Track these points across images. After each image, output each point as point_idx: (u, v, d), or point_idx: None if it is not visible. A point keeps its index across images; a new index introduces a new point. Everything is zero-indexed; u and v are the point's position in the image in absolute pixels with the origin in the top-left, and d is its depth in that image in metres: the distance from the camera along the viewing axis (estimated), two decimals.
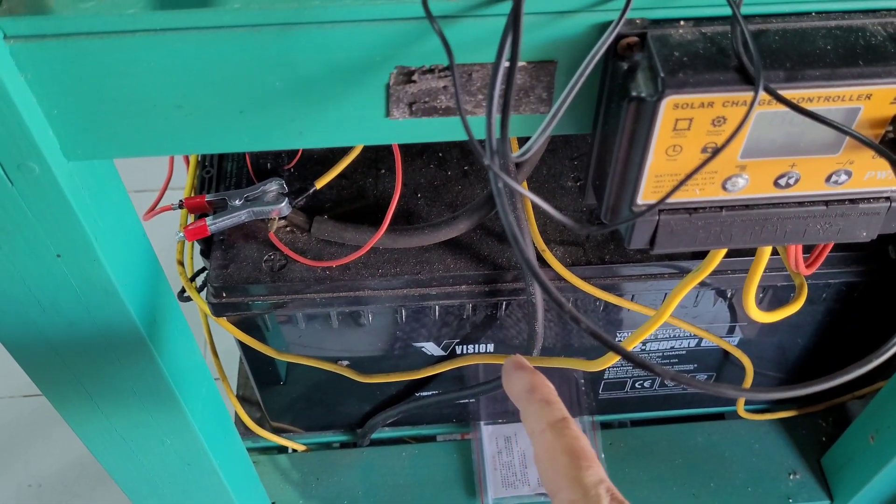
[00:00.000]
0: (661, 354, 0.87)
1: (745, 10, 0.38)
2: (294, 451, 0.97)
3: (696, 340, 0.85)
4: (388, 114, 0.42)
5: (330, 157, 0.78)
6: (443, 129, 0.43)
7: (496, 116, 0.35)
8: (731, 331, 0.85)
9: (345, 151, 0.77)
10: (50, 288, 0.48)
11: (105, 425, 0.61)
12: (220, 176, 0.77)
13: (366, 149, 0.79)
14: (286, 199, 0.72)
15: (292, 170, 0.78)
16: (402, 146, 0.75)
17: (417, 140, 0.44)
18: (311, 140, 0.43)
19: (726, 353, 0.86)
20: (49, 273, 0.47)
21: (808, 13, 0.39)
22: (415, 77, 0.40)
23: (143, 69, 0.38)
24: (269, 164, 0.78)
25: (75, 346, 0.53)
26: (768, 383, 0.93)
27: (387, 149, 0.80)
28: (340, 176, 0.77)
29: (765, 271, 0.73)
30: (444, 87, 0.41)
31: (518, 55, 0.33)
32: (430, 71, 0.40)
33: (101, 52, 0.38)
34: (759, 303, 0.80)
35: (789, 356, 0.90)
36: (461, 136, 0.41)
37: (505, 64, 0.36)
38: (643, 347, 0.86)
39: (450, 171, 0.80)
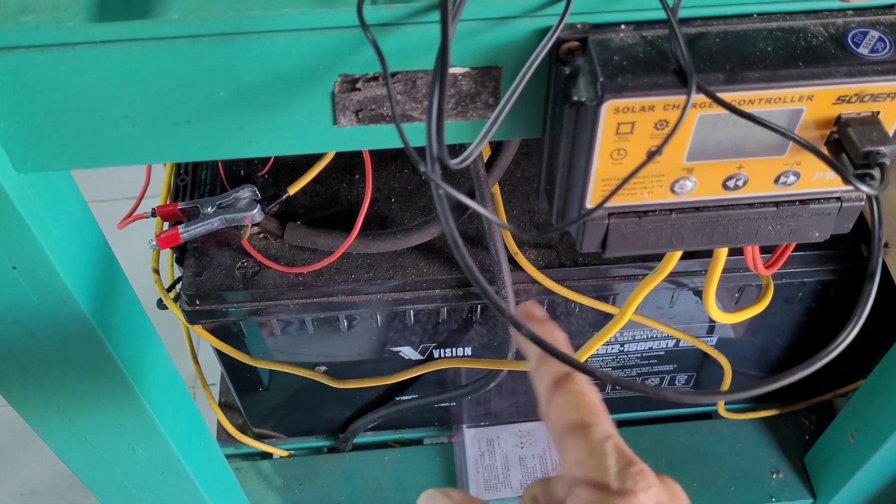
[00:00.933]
0: (639, 356, 0.87)
1: (685, 12, 0.38)
2: (279, 457, 0.97)
3: (675, 341, 0.85)
4: (335, 121, 0.42)
5: (303, 162, 0.78)
6: (392, 136, 0.43)
7: (435, 126, 0.35)
8: (710, 331, 0.85)
9: (318, 157, 0.77)
10: (8, 299, 0.48)
11: (74, 434, 0.61)
12: (195, 183, 0.78)
13: (339, 154, 0.79)
14: (259, 205, 0.73)
15: (266, 176, 0.78)
16: (374, 151, 0.76)
17: (367, 147, 0.44)
18: (260, 149, 0.43)
19: (706, 354, 0.86)
20: (6, 285, 0.47)
21: (749, 15, 0.39)
22: (359, 85, 0.40)
23: (86, 81, 0.38)
24: (242, 171, 0.78)
25: (38, 356, 0.53)
26: (749, 383, 0.93)
27: (360, 154, 0.80)
28: (314, 181, 0.78)
29: (738, 271, 0.74)
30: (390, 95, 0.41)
31: (448, 61, 0.33)
32: (374, 78, 0.40)
33: (44, 65, 0.38)
34: (736, 303, 0.80)
35: (769, 356, 0.90)
36: (412, 142, 0.41)
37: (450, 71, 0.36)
38: (622, 349, 0.86)
39: (423, 175, 0.80)
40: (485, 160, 0.70)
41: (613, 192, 0.38)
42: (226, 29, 0.37)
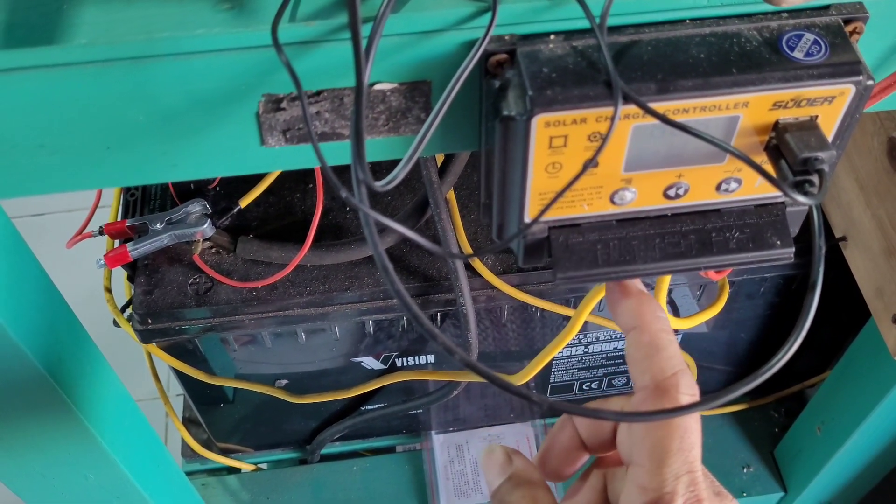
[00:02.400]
0: (605, 356, 0.86)
1: (616, 20, 0.37)
2: (246, 471, 0.96)
3: None
4: (263, 142, 0.40)
5: (255, 174, 0.77)
6: (325, 155, 0.42)
7: (355, 147, 0.34)
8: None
9: None
10: None
11: (23, 466, 0.59)
12: (145, 198, 0.76)
13: None
14: (209, 219, 0.71)
15: (217, 189, 0.77)
16: None
17: (300, 167, 0.42)
18: (186, 173, 0.41)
19: None
20: None
21: (681, 21, 0.38)
22: (283, 104, 0.39)
23: None
24: (192, 185, 0.77)
25: None
26: (715, 378, 0.93)
27: None
28: (267, 193, 0.76)
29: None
30: (318, 113, 0.39)
31: (364, 77, 0.32)
32: (299, 97, 0.39)
33: None
34: (699, 300, 0.79)
35: (736, 350, 0.90)
36: (344, 160, 0.40)
37: (376, 88, 0.34)
38: (586, 350, 0.85)
39: (345, 201, 0.78)
40: (438, 165, 0.69)
41: (548, 206, 0.37)
42: (137, 52, 0.36)
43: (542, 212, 0.38)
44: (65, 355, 0.54)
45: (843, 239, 0.70)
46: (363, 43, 0.34)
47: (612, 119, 0.34)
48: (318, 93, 0.39)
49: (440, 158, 0.70)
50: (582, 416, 0.36)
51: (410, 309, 0.34)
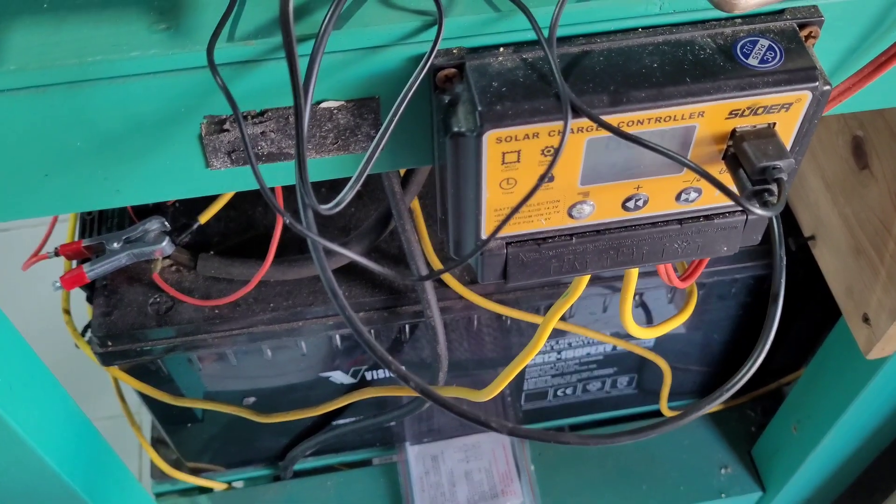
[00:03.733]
0: (577, 361, 0.85)
1: (566, 30, 0.36)
2: (218, 490, 0.94)
3: (612, 345, 0.84)
4: (208, 164, 0.39)
5: None
6: (273, 176, 0.40)
7: (298, 172, 0.33)
8: None
9: None
10: None
11: None
12: (102, 218, 0.74)
13: None
14: (168, 237, 0.69)
15: (176, 205, 0.75)
16: None
17: (247, 188, 0.41)
18: (129, 198, 0.40)
19: None
20: None
21: (634, 29, 0.37)
22: (227, 126, 0.37)
23: None
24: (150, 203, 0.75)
25: None
26: (691, 379, 0.92)
27: None
28: (227, 207, 0.74)
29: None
30: (263, 133, 0.38)
31: (301, 94, 0.31)
32: (244, 118, 0.37)
33: None
34: (670, 303, 0.79)
35: (710, 350, 0.89)
36: (291, 180, 0.39)
37: (313, 106, 0.33)
38: (559, 356, 0.84)
39: (290, 227, 0.77)
40: (401, 177, 0.67)
41: (503, 223, 0.36)
42: (70, 77, 0.34)
43: (497, 229, 0.37)
44: (17, 386, 0.52)
45: (812, 238, 0.69)
46: (304, 61, 0.33)
47: (563, 133, 0.33)
48: (263, 112, 0.37)
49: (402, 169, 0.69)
50: (540, 440, 0.35)
51: (362, 335, 0.33)
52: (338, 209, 0.34)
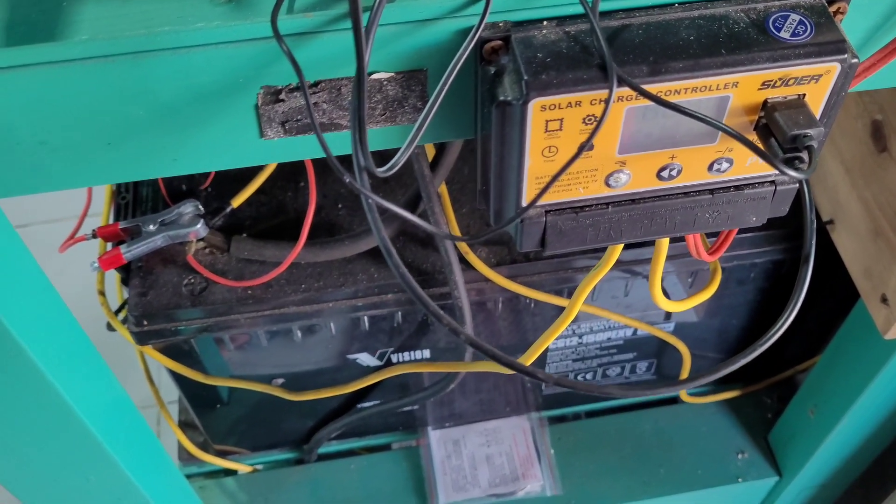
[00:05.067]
0: (598, 346, 0.87)
1: (607, 5, 0.38)
2: (243, 472, 0.96)
3: (633, 330, 0.85)
4: (262, 134, 0.41)
5: (247, 173, 0.77)
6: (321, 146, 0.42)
7: (357, 134, 0.35)
8: (667, 316, 0.85)
9: (261, 167, 0.76)
10: None
11: (24, 469, 0.59)
12: (136, 201, 0.76)
13: (283, 163, 0.78)
14: (202, 220, 0.71)
15: (209, 189, 0.77)
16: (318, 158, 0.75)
17: (298, 158, 0.43)
18: (187, 167, 0.42)
19: (665, 340, 0.86)
20: None
21: (670, 4, 0.39)
22: (282, 96, 0.39)
23: None
24: (184, 186, 0.77)
25: None
26: (709, 365, 0.94)
27: (304, 161, 0.79)
28: (258, 192, 0.76)
29: (688, 256, 0.74)
30: (315, 104, 0.40)
31: (364, 66, 0.33)
32: (298, 89, 0.39)
33: None
34: (690, 287, 0.80)
35: (727, 337, 0.91)
36: (343, 150, 0.41)
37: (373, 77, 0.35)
38: (580, 340, 0.86)
39: (372, 180, 0.79)
40: (430, 160, 0.69)
41: (545, 189, 0.38)
42: (137, 47, 0.36)
43: (539, 195, 0.38)
44: (63, 355, 0.54)
45: (831, 222, 0.71)
46: (360, 32, 0.34)
47: (608, 101, 0.35)
48: (316, 84, 0.39)
49: (431, 153, 0.71)
50: (586, 391, 0.37)
51: (415, 291, 0.35)
52: (391, 172, 0.35)
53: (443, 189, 0.73)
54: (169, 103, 0.38)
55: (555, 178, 0.37)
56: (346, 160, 0.37)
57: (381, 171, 0.35)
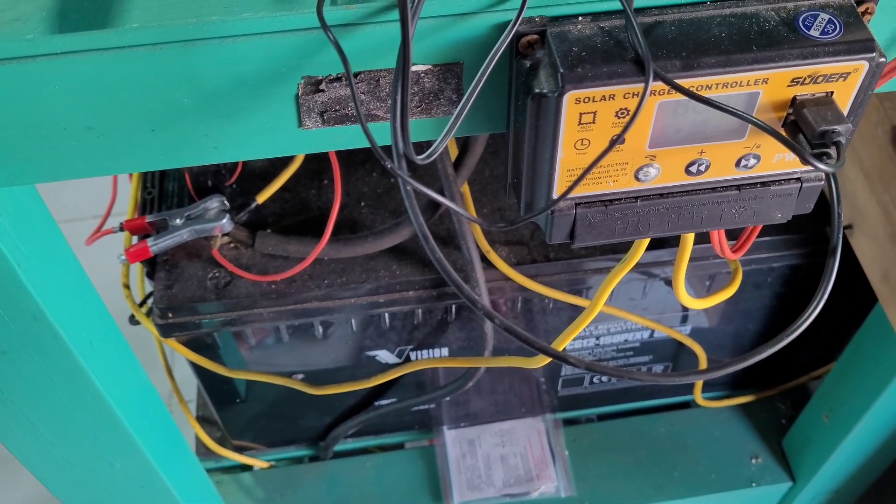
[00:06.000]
0: (615, 348, 0.87)
1: (640, 2, 0.39)
2: (260, 468, 0.96)
3: (649, 332, 0.86)
4: (300, 124, 0.42)
5: (271, 170, 0.78)
6: (358, 136, 0.43)
7: (399, 122, 0.36)
8: (683, 320, 0.86)
9: (286, 164, 0.77)
10: None
11: (50, 452, 0.60)
12: (162, 196, 0.77)
13: (308, 160, 0.79)
14: (227, 215, 0.72)
15: (234, 185, 0.78)
16: (343, 155, 0.76)
17: (334, 148, 0.44)
18: (226, 154, 0.43)
19: (681, 343, 0.87)
20: None
21: (703, 2, 0.40)
22: (322, 86, 0.40)
23: (48, 93, 0.38)
24: (209, 182, 0.78)
25: (11, 375, 0.52)
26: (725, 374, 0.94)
27: (328, 159, 0.80)
28: (283, 189, 0.78)
29: (708, 259, 0.75)
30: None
31: (410, 59, 0.34)
32: (338, 79, 0.40)
33: (4, 79, 0.37)
34: (708, 290, 0.81)
35: (743, 342, 0.91)
36: (381, 141, 0.42)
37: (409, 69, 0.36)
38: (597, 342, 0.86)
39: (393, 179, 0.80)
40: (452, 160, 0.70)
41: (578, 181, 0.39)
42: (187, 35, 0.37)
43: (572, 186, 0.39)
44: (96, 342, 0.55)
45: (849, 227, 0.72)
46: (398, 26, 0.36)
47: (643, 94, 0.36)
48: (356, 75, 0.40)
49: (454, 154, 0.72)
50: (616, 375, 0.37)
51: (450, 275, 0.36)
52: (430, 160, 0.36)
53: (465, 188, 0.74)
54: (213, 91, 0.40)
55: (588, 169, 0.38)
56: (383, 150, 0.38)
57: (420, 159, 0.36)
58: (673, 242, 0.74)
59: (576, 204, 0.43)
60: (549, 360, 0.69)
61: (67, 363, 0.52)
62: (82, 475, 0.64)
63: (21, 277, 0.46)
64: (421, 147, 0.39)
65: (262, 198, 0.76)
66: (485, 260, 0.73)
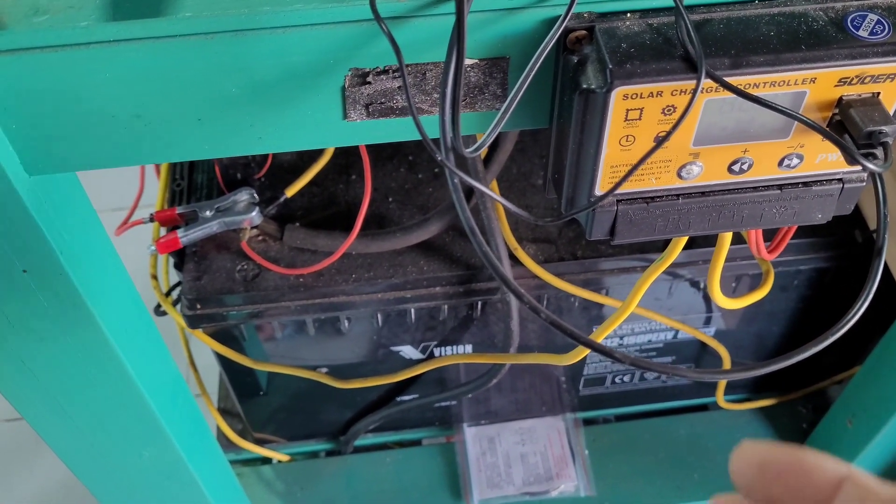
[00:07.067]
0: (638, 348, 0.87)
1: (690, 0, 0.39)
2: (280, 461, 0.97)
3: (673, 333, 0.86)
4: (345, 116, 0.42)
5: (300, 164, 0.79)
6: (400, 129, 0.43)
7: (449, 114, 0.36)
8: (707, 321, 0.86)
9: (315, 159, 0.77)
10: (17, 302, 0.48)
11: (81, 440, 0.61)
12: (191, 188, 0.78)
13: (336, 155, 0.80)
14: (257, 208, 0.73)
15: (263, 179, 0.79)
16: (371, 151, 0.76)
17: (376, 141, 0.44)
18: (270, 145, 0.43)
19: (704, 345, 0.87)
20: (16, 288, 0.47)
21: (751, 1, 0.40)
22: (369, 78, 0.40)
23: (100, 81, 0.39)
24: (238, 175, 0.78)
25: (46, 361, 0.53)
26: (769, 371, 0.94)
27: (357, 154, 0.80)
28: (311, 183, 0.78)
29: (735, 260, 0.75)
30: (399, 88, 0.41)
31: (464, 52, 0.34)
32: (385, 72, 0.40)
33: (57, 66, 0.38)
34: (733, 292, 0.81)
35: (767, 344, 0.91)
36: (418, 135, 0.42)
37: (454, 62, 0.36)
38: (621, 342, 0.86)
39: (420, 174, 0.80)
40: (482, 157, 0.70)
41: (625, 178, 0.39)
42: (238, 25, 0.37)
43: (619, 184, 0.39)
44: (131, 331, 0.55)
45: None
46: (449, 19, 0.36)
47: (695, 91, 0.36)
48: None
49: (483, 151, 0.72)
50: (659, 371, 0.37)
51: (496, 268, 0.36)
52: (478, 152, 0.37)
53: (493, 186, 0.74)
54: (261, 81, 0.40)
55: (636, 166, 0.38)
56: (420, 145, 0.39)
57: (468, 152, 0.36)
58: (700, 243, 0.74)
59: (617, 200, 0.43)
60: (581, 356, 0.69)
61: (103, 351, 0.53)
62: (111, 463, 0.64)
63: (62, 263, 0.46)
64: (463, 141, 0.39)
65: (290, 191, 0.76)
66: (512, 257, 0.73)
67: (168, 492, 0.70)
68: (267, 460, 0.96)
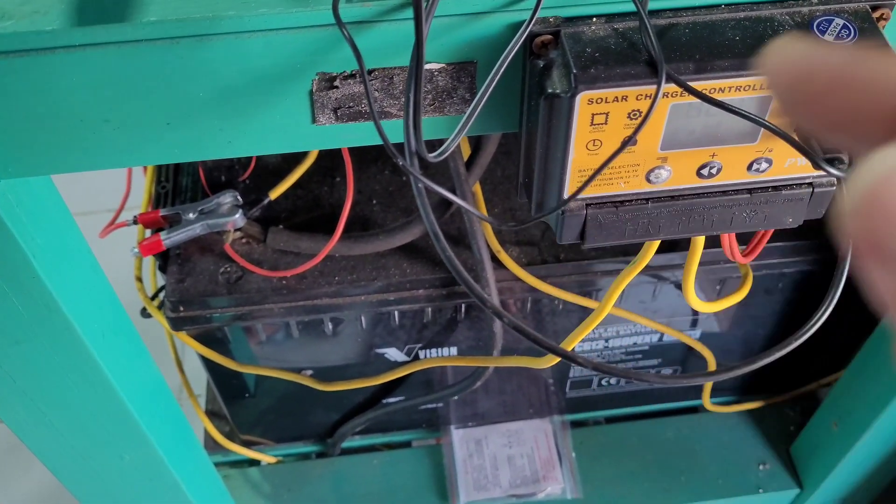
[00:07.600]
0: (624, 350, 0.87)
1: (655, 4, 0.39)
2: (267, 463, 0.97)
3: (658, 335, 0.86)
4: (314, 120, 0.42)
5: (284, 167, 0.79)
6: (370, 133, 0.43)
7: (412, 119, 0.36)
8: (693, 324, 0.86)
9: (298, 161, 0.77)
10: None
11: (61, 443, 0.61)
12: (176, 190, 0.78)
13: (320, 158, 0.80)
14: (240, 210, 0.73)
15: (247, 181, 0.79)
16: (355, 153, 0.76)
17: (346, 145, 0.44)
18: (240, 149, 0.43)
19: (690, 347, 0.87)
20: None
21: (717, 6, 0.40)
22: (337, 83, 0.41)
23: (67, 85, 0.39)
24: (223, 177, 0.78)
25: (23, 365, 0.53)
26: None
27: (341, 157, 0.80)
28: (295, 186, 0.78)
29: (719, 263, 0.75)
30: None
31: (423, 57, 0.34)
32: (352, 76, 0.41)
33: (23, 70, 0.38)
34: (718, 295, 0.81)
35: (753, 347, 0.91)
36: (393, 139, 0.42)
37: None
38: (606, 344, 0.86)
39: (404, 177, 0.80)
40: (465, 160, 0.71)
41: (589, 180, 0.39)
42: (203, 30, 0.38)
43: (583, 187, 0.39)
44: (109, 334, 0.55)
45: None
46: (412, 24, 0.36)
47: (655, 95, 0.36)
48: (370, 72, 0.41)
49: (466, 153, 0.72)
50: (623, 376, 0.37)
51: (460, 273, 0.36)
52: (441, 157, 0.37)
53: (476, 188, 0.74)
54: (228, 86, 0.40)
55: (598, 170, 0.38)
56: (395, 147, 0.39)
57: (432, 157, 0.36)
58: (683, 246, 0.73)
59: (587, 204, 0.43)
60: (558, 360, 0.69)
61: (79, 354, 0.53)
62: (92, 466, 0.64)
63: (35, 267, 0.46)
64: (433, 145, 0.39)
65: (274, 194, 0.76)
66: (495, 260, 0.73)
67: (150, 494, 0.70)
68: (254, 462, 0.96)
